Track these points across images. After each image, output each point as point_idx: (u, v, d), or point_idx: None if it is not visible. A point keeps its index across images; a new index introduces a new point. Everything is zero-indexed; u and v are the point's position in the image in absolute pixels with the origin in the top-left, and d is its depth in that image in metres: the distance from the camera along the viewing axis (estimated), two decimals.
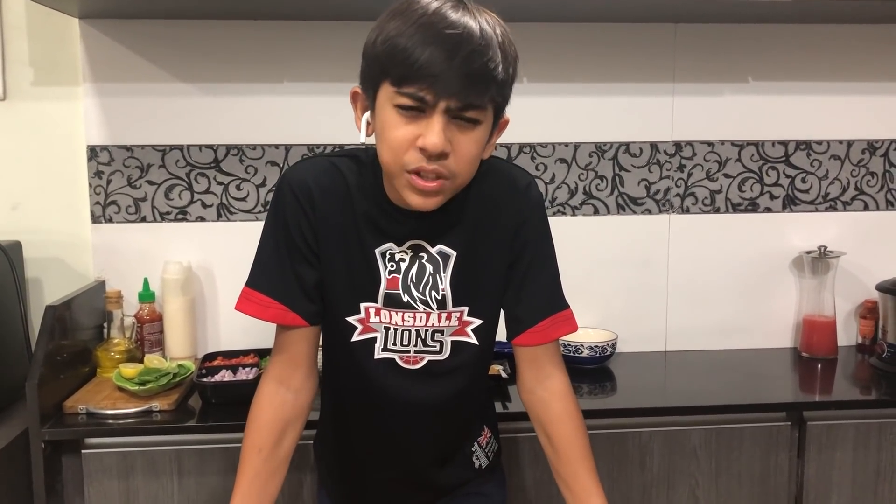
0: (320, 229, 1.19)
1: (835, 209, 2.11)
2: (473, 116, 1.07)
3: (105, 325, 1.85)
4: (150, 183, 1.94)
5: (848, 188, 2.11)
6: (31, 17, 1.88)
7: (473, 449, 1.34)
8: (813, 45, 2.05)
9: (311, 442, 1.43)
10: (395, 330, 1.21)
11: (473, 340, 1.24)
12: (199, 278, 1.97)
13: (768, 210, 2.09)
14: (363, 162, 1.21)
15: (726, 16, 1.94)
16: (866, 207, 2.12)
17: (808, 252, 2.05)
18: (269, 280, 1.21)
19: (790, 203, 2.10)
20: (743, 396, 1.72)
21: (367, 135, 1.15)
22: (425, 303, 1.20)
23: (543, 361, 1.26)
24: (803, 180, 2.09)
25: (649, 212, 2.06)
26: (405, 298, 1.20)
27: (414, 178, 1.08)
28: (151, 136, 1.93)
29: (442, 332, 1.22)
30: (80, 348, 1.75)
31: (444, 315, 1.21)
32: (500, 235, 1.22)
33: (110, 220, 1.94)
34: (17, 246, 1.81)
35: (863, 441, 1.68)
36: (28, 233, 1.91)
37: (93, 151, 1.92)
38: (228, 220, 1.97)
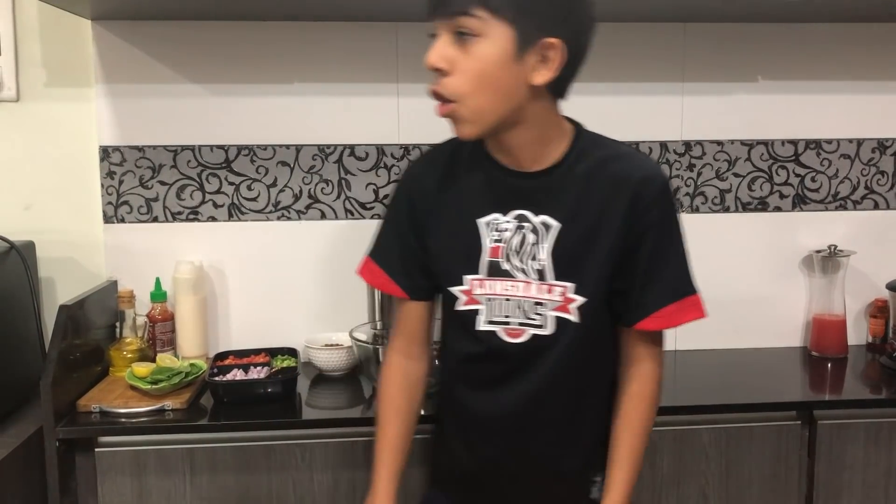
0: (425, 210, 1.29)
1: (845, 208, 2.11)
2: (466, 29, 1.09)
3: (117, 324, 1.86)
4: (162, 183, 1.95)
5: (858, 187, 2.10)
6: (44, 18, 1.89)
7: (596, 478, 1.32)
8: (822, 44, 2.05)
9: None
10: (498, 301, 1.24)
11: (576, 318, 1.23)
12: (211, 278, 1.98)
13: (778, 209, 2.09)
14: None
15: (735, 15, 1.94)
16: (876, 206, 2.11)
17: (818, 251, 2.05)
18: (381, 253, 1.36)
19: (800, 202, 2.09)
20: (753, 395, 1.72)
21: None
22: (524, 272, 1.23)
23: (642, 350, 1.27)
24: (813, 179, 2.09)
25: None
26: (505, 267, 1.24)
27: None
28: (163, 137, 1.94)
29: (543, 305, 1.23)
30: (93, 347, 1.77)
31: (544, 287, 1.22)
32: (614, 218, 1.20)
33: (122, 221, 1.95)
34: (30, 246, 1.83)
35: (873, 440, 1.68)
36: (41, 233, 1.92)
37: (105, 152, 1.93)
38: (240, 220, 1.98)
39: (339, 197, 1.99)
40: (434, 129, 1.96)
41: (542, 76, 1.13)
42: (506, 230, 1.23)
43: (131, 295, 1.84)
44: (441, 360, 1.40)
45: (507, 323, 1.25)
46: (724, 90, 2.04)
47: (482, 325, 1.26)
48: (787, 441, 1.66)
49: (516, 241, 1.23)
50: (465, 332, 1.28)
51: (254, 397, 1.68)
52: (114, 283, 1.92)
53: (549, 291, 1.23)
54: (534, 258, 1.22)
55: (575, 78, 1.20)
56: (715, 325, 2.09)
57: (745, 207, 2.08)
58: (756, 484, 1.67)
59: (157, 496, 1.58)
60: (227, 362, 1.80)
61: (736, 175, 2.06)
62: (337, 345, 1.88)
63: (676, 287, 1.25)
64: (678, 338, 2.09)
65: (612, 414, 1.29)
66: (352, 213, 2.00)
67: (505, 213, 1.24)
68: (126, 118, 1.93)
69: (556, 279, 1.22)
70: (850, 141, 2.09)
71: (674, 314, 1.24)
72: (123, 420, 1.60)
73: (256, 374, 1.74)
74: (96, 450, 1.57)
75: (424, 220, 1.30)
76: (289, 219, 1.99)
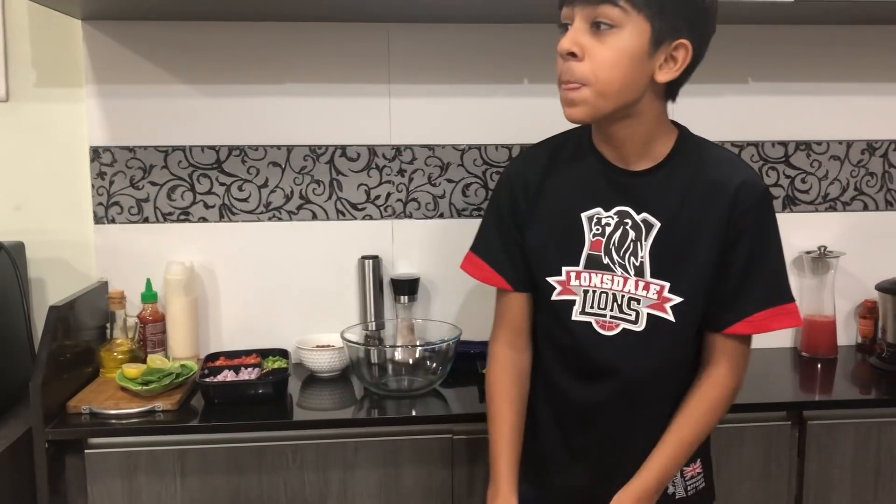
0: (526, 207, 1.33)
1: (835, 209, 2.12)
2: (605, 19, 1.13)
3: (108, 325, 1.85)
4: (153, 184, 1.95)
5: (848, 188, 2.11)
6: (34, 18, 1.88)
7: (675, 477, 1.33)
8: (812, 45, 2.06)
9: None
10: (594, 293, 1.27)
11: (671, 317, 1.25)
12: (202, 278, 1.98)
13: None
14: (581, 130, 1.33)
15: (726, 17, 1.91)
16: (866, 208, 2.12)
17: (808, 252, 2.05)
18: (484, 247, 1.39)
19: (790, 203, 2.10)
20: (743, 396, 1.69)
21: None
22: (623, 267, 1.26)
23: (722, 354, 1.28)
24: (803, 181, 2.10)
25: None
26: (605, 261, 1.27)
27: (561, 88, 1.19)
28: (154, 137, 1.93)
29: (638, 302, 1.26)
30: (83, 348, 1.76)
31: (640, 283, 1.25)
32: (715, 221, 1.23)
33: (113, 221, 1.95)
34: (20, 246, 1.82)
35: (863, 440, 1.69)
36: (31, 233, 1.91)
37: (95, 152, 1.92)
38: (231, 220, 1.97)
39: (330, 197, 1.99)
40: (425, 130, 1.99)
41: (666, 75, 1.19)
42: (608, 225, 1.27)
43: (122, 296, 1.84)
44: (537, 354, 1.40)
45: (602, 315, 1.28)
46: (715, 92, 2.05)
47: (577, 316, 1.29)
48: (778, 441, 1.67)
49: (617, 236, 1.26)
50: (558, 322, 1.31)
51: (245, 398, 1.68)
52: (104, 284, 1.92)
53: (646, 288, 1.25)
54: (634, 255, 1.25)
55: (686, 82, 1.25)
56: None
57: None
58: (747, 483, 1.67)
59: (148, 498, 1.58)
60: (218, 363, 1.80)
61: None
62: (328, 346, 1.88)
63: (772, 293, 1.26)
64: None
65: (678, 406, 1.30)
66: (343, 214, 2.00)
67: (607, 208, 1.27)
68: (116, 118, 1.92)
69: (654, 277, 1.25)
70: (840, 142, 2.10)
71: (766, 320, 1.25)
72: (114, 421, 1.59)
73: (247, 375, 1.74)
74: (86, 451, 1.56)
75: (526, 213, 1.33)
76: (280, 219, 1.98)
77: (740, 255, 1.24)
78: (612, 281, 1.27)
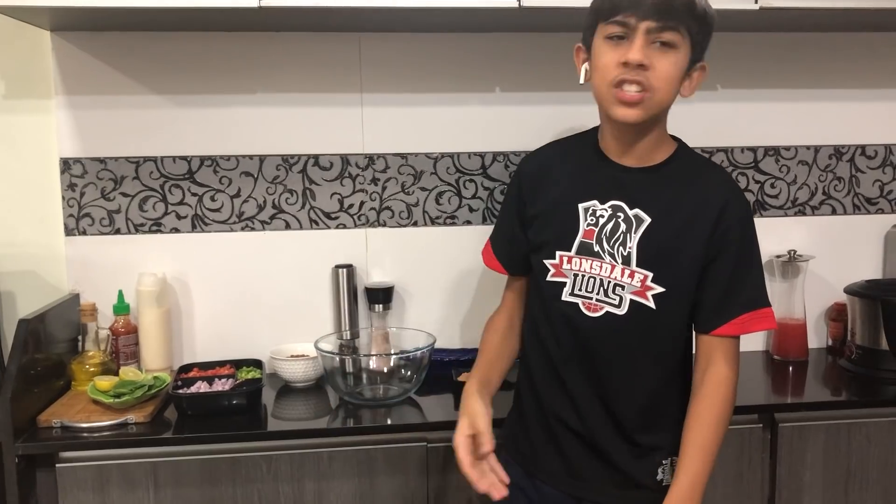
0: (530, 198, 1.47)
1: (803, 214, 2.14)
2: (670, 39, 1.28)
3: (80, 337, 1.84)
4: (124, 195, 1.94)
5: (816, 193, 2.14)
6: (2, 29, 1.86)
7: (664, 462, 1.41)
8: (779, 53, 2.08)
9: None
10: (583, 277, 1.38)
11: (651, 304, 1.35)
12: (175, 290, 1.96)
13: None
14: (588, 132, 1.48)
15: None
16: (834, 212, 2.15)
17: (779, 256, 2.08)
18: (495, 238, 1.57)
19: (760, 208, 2.13)
20: None
21: (586, 80, 1.38)
22: (612, 255, 1.37)
23: (718, 353, 1.38)
24: (772, 186, 2.13)
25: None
26: (596, 248, 1.38)
27: (618, 91, 1.29)
28: (125, 148, 1.92)
29: (623, 288, 1.36)
30: (55, 361, 1.74)
31: (627, 271, 1.36)
32: (700, 228, 1.35)
33: (84, 233, 1.93)
34: None
35: (833, 441, 1.71)
36: (1, 246, 1.90)
37: (66, 164, 1.91)
38: (203, 231, 1.97)
39: (303, 207, 1.99)
40: (398, 139, 2.00)
41: (687, 90, 1.36)
42: (602, 216, 1.38)
43: (93, 308, 1.82)
44: (525, 337, 1.52)
45: (588, 298, 1.38)
46: (685, 99, 2.06)
47: (566, 297, 1.40)
48: (750, 443, 1.69)
49: (609, 227, 1.37)
50: (549, 303, 1.42)
51: (218, 409, 1.67)
52: (76, 297, 1.90)
53: (631, 276, 1.36)
54: (622, 245, 1.36)
55: None
56: None
57: None
58: (720, 486, 1.69)
59: None
60: (191, 374, 1.79)
61: None
62: (302, 355, 1.88)
63: (753, 298, 1.38)
64: None
65: (686, 414, 1.38)
66: (317, 223, 2.00)
67: (603, 201, 1.39)
68: (87, 130, 1.91)
69: (639, 266, 1.35)
70: (808, 148, 2.12)
71: (748, 322, 1.37)
72: (85, 434, 1.58)
73: (221, 385, 1.73)
74: (57, 465, 1.55)
75: (531, 204, 1.47)
76: (253, 229, 1.98)
77: (727, 265, 1.36)
78: (601, 267, 1.37)
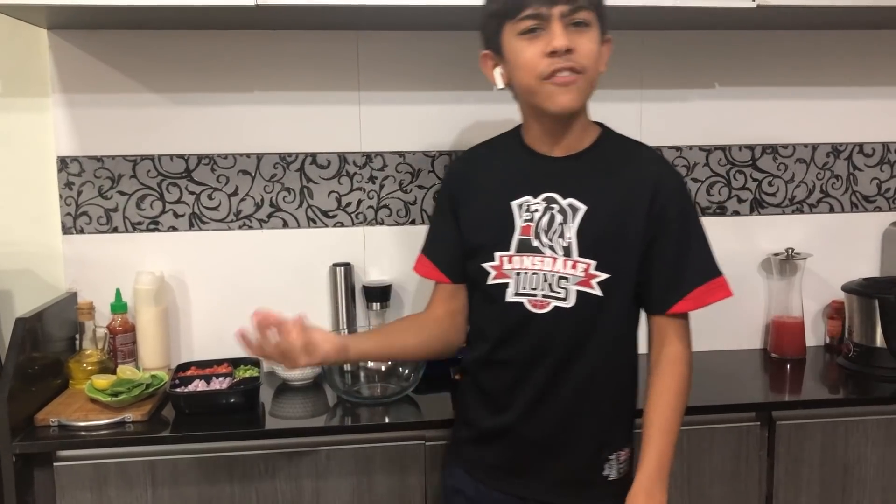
0: (462, 199, 1.46)
1: (801, 212, 2.14)
2: (583, 18, 1.28)
3: (77, 336, 1.84)
4: (122, 193, 1.93)
5: (814, 191, 2.14)
6: None
7: (611, 456, 1.40)
8: (777, 50, 2.08)
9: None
10: (526, 274, 1.36)
11: (598, 292, 1.34)
12: (172, 288, 1.96)
13: (736, 213, 2.12)
14: (512, 130, 1.47)
15: (692, 22, 1.96)
16: (832, 210, 2.15)
17: (776, 254, 2.08)
18: (432, 247, 1.54)
19: (758, 206, 2.13)
20: (713, 397, 1.75)
21: (505, 84, 1.38)
22: (552, 248, 1.35)
23: (671, 332, 1.38)
24: (770, 184, 2.13)
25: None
26: (535, 244, 1.36)
27: (552, 80, 1.28)
28: (122, 147, 1.92)
29: (567, 280, 1.35)
30: (52, 360, 1.74)
31: (569, 263, 1.34)
32: (637, 208, 1.34)
33: (81, 231, 1.93)
34: None
35: (830, 439, 1.71)
36: None
37: (63, 162, 1.91)
38: (200, 229, 1.97)
39: (301, 205, 1.99)
40: (396, 137, 2.00)
41: (603, 62, 1.36)
42: (536, 210, 1.37)
43: (91, 306, 1.82)
44: (470, 342, 1.50)
45: (533, 294, 1.36)
46: (682, 97, 2.07)
47: (511, 297, 1.38)
48: (748, 441, 1.69)
49: (545, 220, 1.36)
50: (494, 306, 1.40)
51: (216, 408, 1.67)
52: (73, 295, 1.90)
53: (574, 267, 1.34)
54: (561, 236, 1.35)
55: None
56: None
57: (704, 212, 2.11)
58: (718, 484, 1.69)
59: None
60: (188, 373, 1.79)
61: (695, 180, 2.09)
62: None
63: (703, 270, 1.38)
64: (640, 341, 2.10)
65: (645, 395, 1.39)
66: (314, 222, 1.99)
67: (536, 195, 1.37)
68: (84, 128, 1.91)
69: (580, 256, 1.34)
70: (806, 146, 2.13)
71: (703, 295, 1.37)
72: (83, 433, 1.58)
73: (219, 384, 1.73)
74: (55, 464, 1.55)
75: (462, 206, 1.46)
76: (250, 227, 1.98)
77: (669, 243, 1.35)
78: (542, 262, 1.36)
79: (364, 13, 1.73)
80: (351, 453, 1.60)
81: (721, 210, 2.11)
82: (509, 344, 1.39)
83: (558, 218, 1.35)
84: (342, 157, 1.99)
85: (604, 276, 1.33)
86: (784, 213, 2.14)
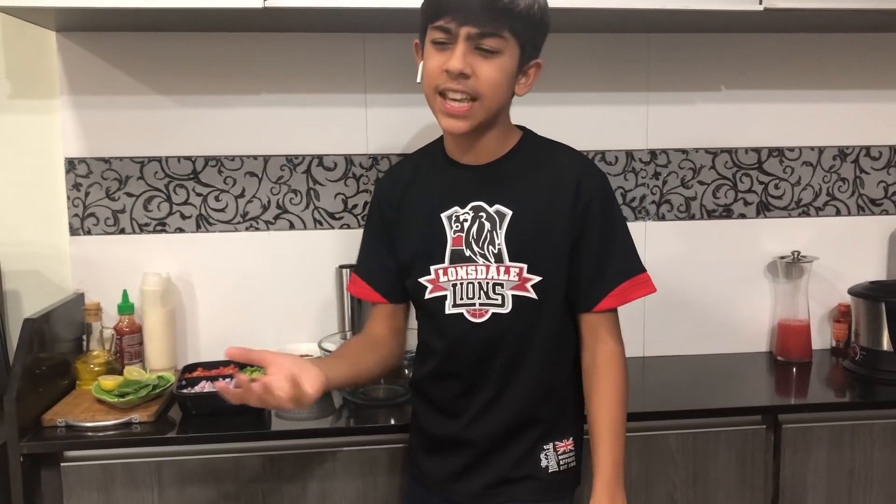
0: (394, 217, 1.45)
1: (808, 215, 2.14)
2: (492, 46, 1.26)
3: (84, 337, 1.84)
4: (129, 195, 1.94)
5: (820, 194, 2.14)
6: (8, 30, 1.88)
7: (546, 447, 1.41)
8: (784, 53, 2.08)
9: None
10: (462, 285, 1.37)
11: (533, 295, 1.35)
12: (179, 289, 1.97)
13: (742, 216, 2.12)
14: (434, 142, 1.48)
15: (698, 25, 1.97)
16: (838, 213, 2.15)
17: (782, 257, 2.08)
18: (362, 266, 1.53)
19: (764, 209, 2.13)
20: (719, 400, 1.75)
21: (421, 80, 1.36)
22: (484, 256, 1.36)
23: (602, 329, 1.39)
24: (776, 186, 2.12)
25: (626, 219, 2.08)
26: (467, 253, 1.37)
27: (443, 101, 1.29)
28: (130, 148, 1.93)
29: (502, 286, 1.36)
30: (59, 361, 1.75)
31: (502, 269, 1.35)
32: (561, 207, 1.35)
33: (89, 233, 1.94)
34: None
35: (837, 443, 1.71)
36: (6, 245, 1.90)
37: (71, 164, 1.92)
38: (207, 231, 1.97)
39: (307, 207, 1.99)
40: (402, 139, 2.00)
41: (523, 89, 1.36)
42: (465, 220, 1.37)
43: (98, 307, 1.83)
44: (419, 357, 1.50)
45: (471, 304, 1.37)
46: (689, 99, 2.07)
47: (449, 310, 1.39)
48: (753, 445, 1.69)
49: (475, 229, 1.37)
50: (434, 320, 1.41)
51: (222, 409, 1.65)
52: (80, 296, 1.91)
53: (507, 272, 1.35)
54: (491, 243, 1.36)
55: None
56: (682, 331, 2.13)
57: (711, 215, 2.11)
58: (723, 487, 1.69)
59: None
60: (195, 374, 1.79)
61: (701, 183, 2.09)
62: (306, 355, 1.87)
63: (626, 267, 1.39)
64: (646, 344, 2.11)
65: (585, 397, 1.40)
66: (321, 224, 2.00)
67: (463, 205, 1.38)
68: (92, 130, 1.91)
69: (511, 261, 1.35)
70: (812, 149, 2.12)
71: (626, 291, 1.38)
72: (90, 434, 1.58)
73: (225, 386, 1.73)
74: (62, 464, 1.55)
75: (394, 224, 1.45)
76: (257, 229, 1.98)
77: (593, 240, 1.36)
78: (476, 271, 1.37)
79: (371, 15, 1.73)
80: (357, 455, 1.61)
81: (727, 213, 2.11)
82: (456, 356, 1.40)
83: (487, 225, 1.36)
84: (349, 159, 1.99)
85: (537, 278, 1.35)
86: (790, 216, 2.14)
